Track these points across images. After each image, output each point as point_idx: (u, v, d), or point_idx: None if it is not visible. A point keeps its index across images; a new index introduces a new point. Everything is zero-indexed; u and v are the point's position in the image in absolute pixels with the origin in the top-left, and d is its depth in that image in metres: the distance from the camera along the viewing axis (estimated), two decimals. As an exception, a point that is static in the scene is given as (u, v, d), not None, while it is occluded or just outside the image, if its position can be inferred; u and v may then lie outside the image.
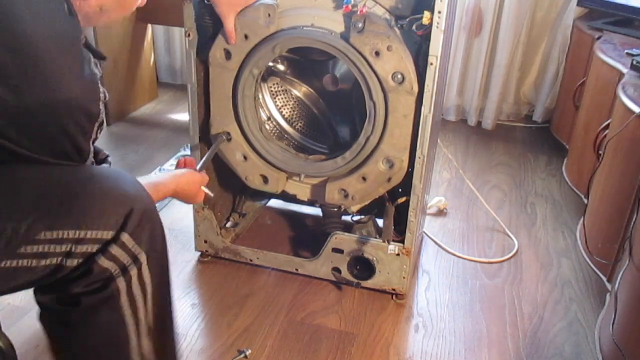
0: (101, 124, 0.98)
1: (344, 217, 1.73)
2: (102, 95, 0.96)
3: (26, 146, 0.89)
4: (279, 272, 1.74)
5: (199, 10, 1.48)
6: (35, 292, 0.98)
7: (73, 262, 0.90)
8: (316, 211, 1.96)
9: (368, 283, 1.64)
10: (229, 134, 1.59)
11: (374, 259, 1.60)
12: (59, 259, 0.89)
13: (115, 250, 0.92)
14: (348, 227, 1.67)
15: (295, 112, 1.74)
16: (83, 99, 0.92)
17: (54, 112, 0.89)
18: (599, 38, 2.21)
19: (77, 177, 0.92)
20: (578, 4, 2.47)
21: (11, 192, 0.88)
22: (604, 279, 1.75)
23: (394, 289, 1.64)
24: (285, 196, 1.71)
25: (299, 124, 1.74)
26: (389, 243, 1.57)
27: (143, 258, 0.96)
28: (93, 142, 0.99)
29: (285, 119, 1.72)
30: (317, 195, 1.63)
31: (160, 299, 1.04)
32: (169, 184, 1.23)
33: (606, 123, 1.80)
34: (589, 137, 2.01)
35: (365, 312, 1.61)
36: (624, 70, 1.84)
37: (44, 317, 1.00)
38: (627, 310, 1.36)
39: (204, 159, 1.52)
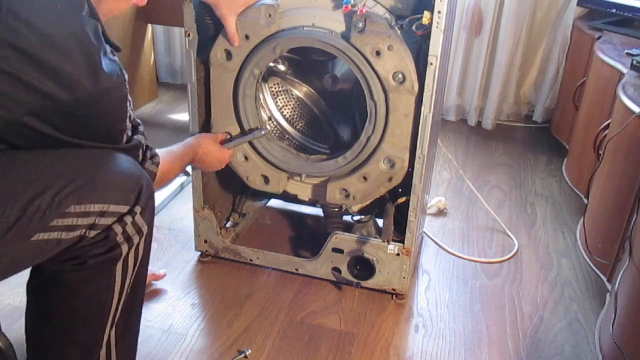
0: (130, 102, 1.09)
1: (344, 217, 1.73)
2: (125, 76, 1.05)
3: (73, 134, 1.00)
4: (279, 272, 1.74)
5: (199, 10, 1.48)
6: None
7: (94, 233, 1.00)
8: (316, 211, 1.97)
9: (368, 283, 1.64)
10: (267, 128, 1.63)
11: (374, 259, 1.60)
12: (84, 230, 0.99)
13: (128, 220, 1.04)
14: (349, 227, 1.67)
15: (296, 112, 1.74)
16: (117, 84, 1.02)
17: (100, 101, 1.00)
18: (599, 38, 2.21)
19: (96, 158, 1.03)
20: (578, 4, 2.47)
21: (42, 171, 0.97)
22: (604, 279, 1.75)
23: (394, 289, 1.64)
24: (285, 196, 1.71)
25: (300, 124, 1.74)
26: (389, 243, 1.57)
27: (145, 230, 1.08)
28: (129, 119, 1.10)
29: (286, 119, 1.72)
30: (318, 195, 1.63)
31: (140, 275, 1.14)
32: (188, 152, 1.46)
33: (606, 123, 1.80)
34: (589, 137, 2.01)
35: (365, 312, 1.61)
36: (624, 70, 1.84)
37: (35, 282, 1.08)
38: (627, 310, 1.36)
39: (234, 141, 1.59)
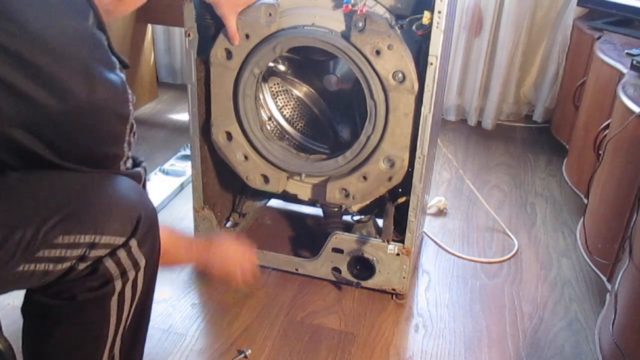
0: (132, 127, 0.98)
1: (344, 217, 1.73)
2: (130, 96, 0.96)
3: (63, 152, 0.91)
4: (279, 272, 1.74)
5: (200, 10, 1.48)
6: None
7: (84, 265, 0.93)
8: (316, 211, 1.96)
9: (368, 283, 1.64)
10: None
11: (374, 259, 1.60)
12: (73, 262, 0.92)
13: (122, 254, 0.95)
14: (348, 227, 1.67)
15: (296, 112, 1.74)
16: (116, 100, 0.93)
17: (93, 114, 0.91)
18: (599, 38, 2.21)
19: (91, 183, 0.94)
20: (578, 4, 2.47)
21: (30, 197, 0.90)
22: (604, 279, 1.75)
23: (394, 289, 1.64)
24: (285, 196, 1.71)
25: (300, 124, 1.74)
26: (389, 243, 1.57)
27: (142, 264, 0.99)
28: (129, 147, 0.99)
29: (286, 119, 1.72)
30: (318, 194, 1.63)
31: (143, 305, 1.07)
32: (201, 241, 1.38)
33: (606, 123, 1.80)
34: (589, 137, 2.01)
35: (365, 312, 1.61)
36: (624, 70, 1.84)
37: (28, 308, 1.03)
38: (627, 310, 1.36)
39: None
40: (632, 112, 1.57)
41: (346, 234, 1.62)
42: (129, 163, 1.01)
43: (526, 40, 2.71)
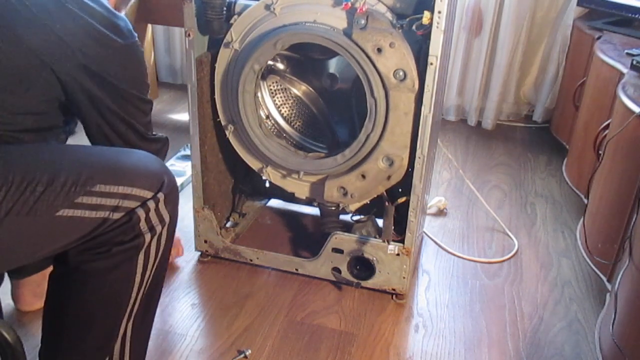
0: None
1: (342, 217, 1.73)
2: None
3: (118, 77, 1.15)
4: (279, 272, 1.74)
5: (200, 9, 1.48)
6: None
7: (117, 216, 1.03)
8: (316, 211, 1.96)
9: (368, 283, 1.64)
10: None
11: (374, 259, 1.60)
12: (108, 212, 1.02)
13: (151, 206, 1.06)
14: (347, 227, 1.67)
15: (294, 111, 1.74)
16: (136, 40, 1.18)
17: (132, 51, 1.17)
18: (599, 38, 2.21)
19: (122, 151, 1.12)
20: (578, 4, 2.47)
21: (71, 152, 1.07)
22: (604, 279, 1.75)
23: (394, 289, 1.64)
24: (284, 195, 1.71)
25: (298, 123, 1.74)
26: (388, 243, 1.57)
27: (167, 220, 1.10)
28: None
29: (284, 118, 1.72)
30: (316, 193, 1.63)
31: (160, 269, 1.15)
32: None
33: (606, 123, 1.80)
34: (589, 137, 2.01)
35: (365, 312, 1.61)
36: (624, 70, 1.84)
37: (57, 272, 1.09)
38: (627, 310, 1.36)
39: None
40: (632, 112, 1.57)
41: (346, 234, 1.62)
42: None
43: (526, 40, 2.71)
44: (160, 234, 1.09)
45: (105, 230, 1.03)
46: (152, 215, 1.07)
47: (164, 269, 1.17)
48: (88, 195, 1.00)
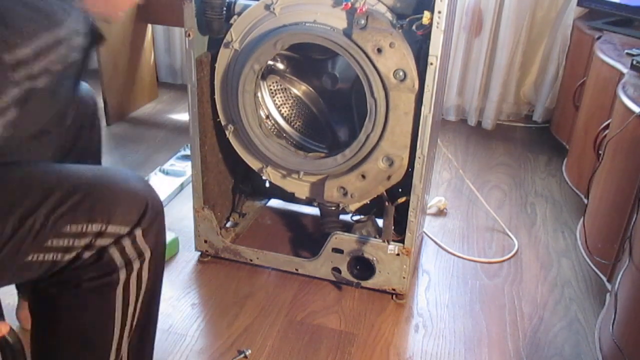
0: None
1: (342, 217, 1.73)
2: None
3: None
4: (279, 272, 1.74)
5: (200, 8, 1.49)
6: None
7: (89, 254, 0.95)
8: (316, 211, 1.96)
9: (368, 283, 1.64)
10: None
11: (374, 259, 1.60)
12: (79, 251, 0.94)
13: (126, 243, 0.96)
14: (347, 227, 1.67)
15: (294, 111, 1.74)
16: None
17: None
18: (599, 38, 2.21)
19: (98, 172, 0.98)
20: (578, 4, 2.47)
21: (37, 186, 0.91)
22: (604, 279, 1.75)
23: (394, 289, 1.64)
24: (284, 195, 1.71)
25: (298, 123, 1.74)
26: (388, 243, 1.57)
27: (147, 255, 1.00)
28: None
29: (284, 118, 1.72)
30: (316, 193, 1.63)
31: (150, 302, 1.06)
32: None
33: (606, 123, 1.80)
34: (589, 137, 2.01)
35: (365, 312, 1.61)
36: (624, 70, 1.84)
37: (35, 301, 1.03)
38: (627, 310, 1.36)
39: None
40: (632, 112, 1.57)
41: (346, 234, 1.62)
42: None
43: (526, 40, 2.71)
44: (141, 268, 1.00)
45: (76, 266, 0.95)
46: (129, 250, 0.97)
47: (155, 300, 1.08)
48: (58, 237, 0.91)
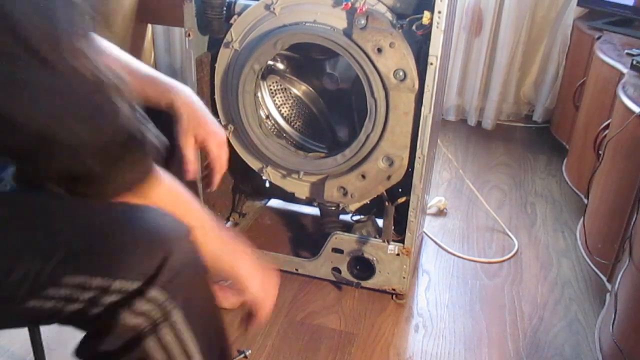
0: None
1: (342, 217, 1.73)
2: None
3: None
4: (279, 272, 1.73)
5: (200, 8, 1.49)
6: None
7: (97, 311, 0.78)
8: (316, 211, 1.96)
9: (368, 283, 1.64)
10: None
11: (374, 259, 1.59)
12: (84, 305, 0.77)
13: (142, 304, 0.77)
14: (347, 227, 1.67)
15: (294, 111, 1.74)
16: None
17: None
18: (599, 38, 2.21)
19: (109, 215, 0.79)
20: (578, 4, 2.47)
21: (38, 227, 0.77)
22: (604, 279, 1.75)
23: (394, 289, 1.64)
24: (284, 195, 1.71)
25: (298, 123, 1.74)
26: (388, 243, 1.57)
27: (177, 314, 0.80)
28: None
29: (284, 118, 1.72)
30: (316, 193, 1.63)
31: (207, 342, 0.88)
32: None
33: (606, 123, 1.80)
34: (589, 137, 2.01)
35: (365, 312, 1.61)
36: (624, 70, 1.84)
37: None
38: (627, 310, 1.36)
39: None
40: (632, 112, 1.57)
41: (346, 234, 1.62)
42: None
43: (526, 40, 2.71)
44: (174, 326, 0.80)
45: (93, 334, 0.80)
46: (151, 311, 0.78)
47: (213, 335, 0.92)
48: (57, 287, 0.75)
